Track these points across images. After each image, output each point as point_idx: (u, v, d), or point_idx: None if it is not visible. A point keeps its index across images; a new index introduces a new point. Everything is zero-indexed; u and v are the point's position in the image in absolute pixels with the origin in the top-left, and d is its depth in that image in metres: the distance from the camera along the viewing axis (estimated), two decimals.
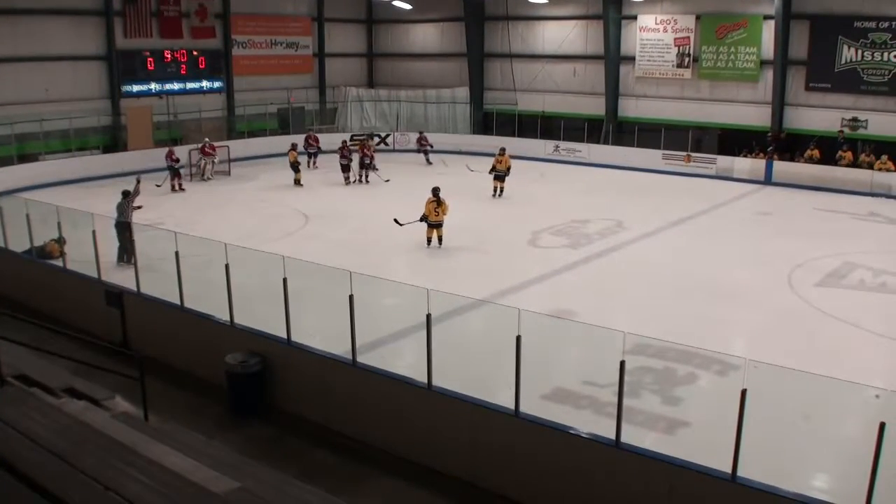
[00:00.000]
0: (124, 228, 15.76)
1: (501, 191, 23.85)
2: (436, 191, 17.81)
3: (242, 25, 33.58)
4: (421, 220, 17.69)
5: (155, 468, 5.85)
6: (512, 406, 8.28)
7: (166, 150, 25.54)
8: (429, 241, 17.82)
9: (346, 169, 26.25)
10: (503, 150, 24.37)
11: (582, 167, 30.39)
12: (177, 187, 24.96)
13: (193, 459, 6.39)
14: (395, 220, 18.02)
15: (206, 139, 27.55)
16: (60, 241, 14.34)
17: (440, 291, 8.94)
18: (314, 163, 29.35)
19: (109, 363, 9.99)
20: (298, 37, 36.12)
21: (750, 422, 6.82)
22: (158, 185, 24.28)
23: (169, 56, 30.76)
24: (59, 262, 14.21)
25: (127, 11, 29.05)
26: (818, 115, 27.37)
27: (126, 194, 16.97)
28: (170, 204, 22.79)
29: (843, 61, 26.44)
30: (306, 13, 36.45)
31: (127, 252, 15.29)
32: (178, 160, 25.15)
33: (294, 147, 26.64)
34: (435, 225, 17.75)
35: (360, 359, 9.67)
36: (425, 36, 38.49)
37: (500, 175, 23.80)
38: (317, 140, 30.13)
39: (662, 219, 21.10)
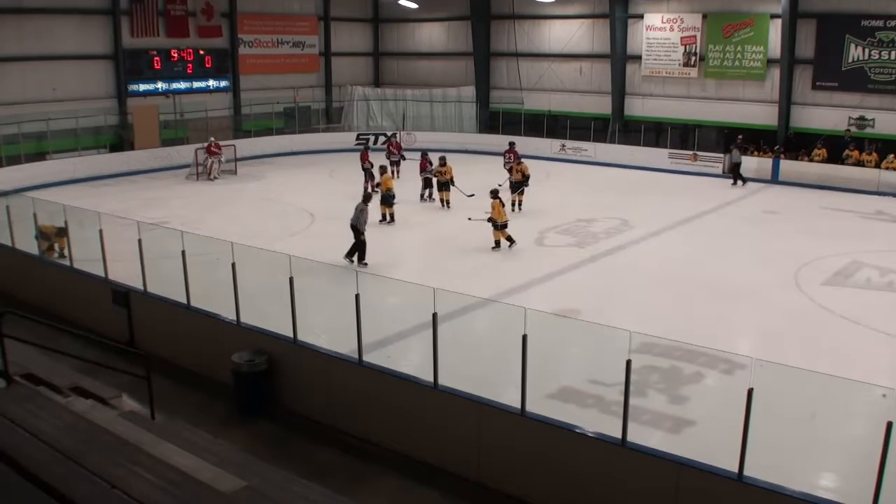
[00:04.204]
0: (355, 232, 16.34)
1: (520, 204, 21.67)
2: (496, 192, 17.88)
3: (249, 24, 33.66)
4: (489, 220, 17.64)
5: (161, 466, 5.86)
6: (518, 405, 8.28)
7: (360, 153, 24.65)
8: (497, 243, 17.68)
9: (428, 184, 22.88)
10: (519, 159, 22.57)
11: (588, 166, 30.35)
12: (369, 189, 23.48)
13: (200, 458, 6.40)
14: (469, 218, 18.08)
15: (212, 138, 27.58)
16: (61, 230, 14.45)
17: (446, 290, 8.94)
18: (397, 172, 25.91)
19: (116, 362, 10.01)
20: (305, 36, 36.18)
21: (756, 421, 6.81)
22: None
23: (175, 55, 30.86)
24: (65, 262, 14.27)
25: (134, 10, 29.16)
26: (825, 113, 27.33)
27: (367, 198, 16.92)
28: (176, 203, 22.85)
29: (849, 60, 26.35)
30: (313, 12, 36.50)
31: (352, 254, 16.26)
32: (372, 164, 23.96)
33: (384, 170, 21.02)
34: (503, 226, 17.65)
35: (367, 358, 9.68)
36: (431, 35, 38.51)
37: (518, 186, 21.68)
38: (399, 147, 27.21)
39: (668, 218, 21.06)
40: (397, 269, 15.78)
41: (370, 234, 16.68)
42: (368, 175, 24.04)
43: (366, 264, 16.19)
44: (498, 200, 17.62)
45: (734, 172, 26.32)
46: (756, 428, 6.82)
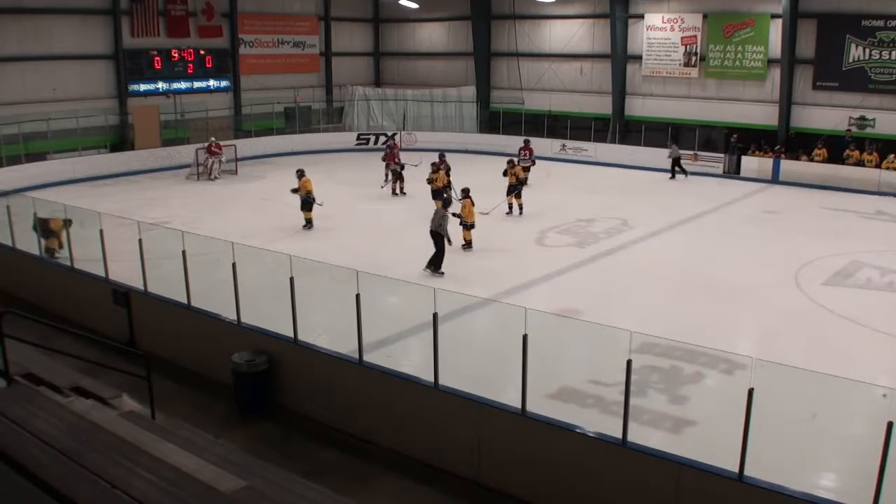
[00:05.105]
0: (437, 239, 15.82)
1: (521, 207, 21.35)
2: (467, 191, 17.61)
3: (249, 24, 33.67)
4: (461, 223, 17.40)
5: (162, 466, 5.86)
6: (518, 405, 8.28)
7: (384, 153, 24.44)
8: (469, 243, 17.57)
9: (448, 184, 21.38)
10: (533, 158, 22.86)
11: (588, 166, 30.35)
12: (397, 191, 23.80)
13: (200, 458, 6.40)
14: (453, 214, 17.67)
15: (213, 138, 27.58)
16: (67, 223, 14.43)
17: (446, 290, 8.94)
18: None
19: (116, 362, 10.01)
20: (305, 36, 36.20)
21: (757, 421, 6.80)
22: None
23: (176, 55, 30.87)
24: (66, 262, 14.26)
25: (134, 10, 29.18)
26: (825, 113, 27.33)
27: (447, 203, 16.33)
28: (176, 203, 22.86)
29: (850, 60, 26.35)
30: (313, 12, 36.52)
31: (434, 263, 15.78)
32: (403, 166, 23.88)
33: (301, 174, 19.68)
34: (471, 227, 17.48)
35: (367, 358, 9.67)
36: (432, 35, 38.51)
37: (513, 189, 21.16)
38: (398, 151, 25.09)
39: (669, 218, 21.06)
40: (397, 270, 15.76)
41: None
42: (396, 176, 23.97)
43: (442, 273, 15.72)
44: (469, 200, 17.41)
45: (672, 166, 27.65)
46: (756, 428, 6.82)
